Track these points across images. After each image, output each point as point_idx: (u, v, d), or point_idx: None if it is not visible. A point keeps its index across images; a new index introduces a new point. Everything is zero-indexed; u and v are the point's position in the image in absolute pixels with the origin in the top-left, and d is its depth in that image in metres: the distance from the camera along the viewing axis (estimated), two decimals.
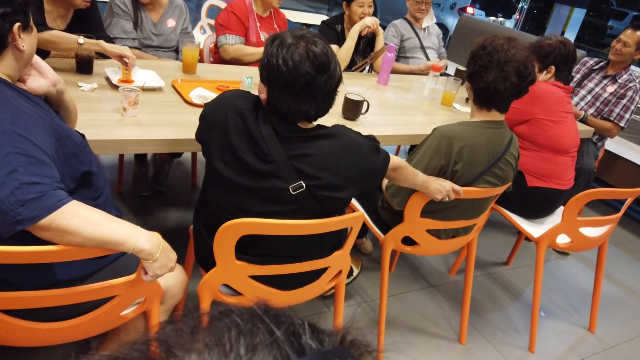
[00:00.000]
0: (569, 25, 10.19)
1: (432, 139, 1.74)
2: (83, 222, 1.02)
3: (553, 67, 2.35)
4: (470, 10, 9.44)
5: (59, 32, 1.91)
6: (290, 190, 1.30)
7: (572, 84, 3.11)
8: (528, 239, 2.33)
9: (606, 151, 3.50)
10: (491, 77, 1.68)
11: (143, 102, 1.80)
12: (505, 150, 1.78)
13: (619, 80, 3.03)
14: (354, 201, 2.12)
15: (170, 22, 2.53)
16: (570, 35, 5.82)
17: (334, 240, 1.52)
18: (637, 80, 3.04)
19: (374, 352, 0.27)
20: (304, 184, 1.30)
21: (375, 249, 2.62)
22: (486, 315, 2.36)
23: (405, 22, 3.36)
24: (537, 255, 2.16)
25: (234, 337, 0.26)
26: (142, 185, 2.69)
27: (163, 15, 2.50)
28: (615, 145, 3.71)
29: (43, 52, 1.93)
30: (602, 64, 3.16)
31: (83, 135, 1.28)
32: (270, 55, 1.24)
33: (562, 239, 2.18)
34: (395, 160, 1.54)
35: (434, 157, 1.72)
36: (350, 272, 2.07)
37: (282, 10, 2.93)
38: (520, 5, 10.58)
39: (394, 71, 3.06)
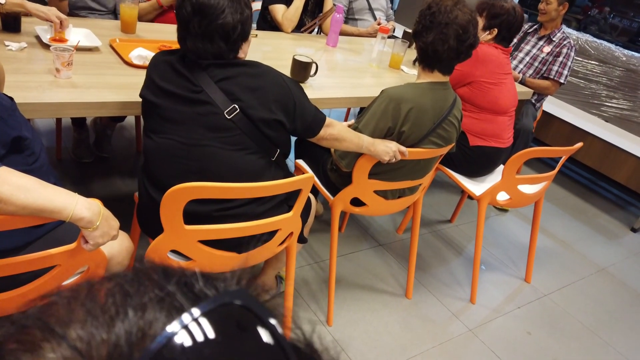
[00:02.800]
0: None
1: (380, 101, 1.75)
2: (14, 189, 0.97)
3: (496, 30, 2.39)
4: None
5: None
6: (225, 115, 1.35)
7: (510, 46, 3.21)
8: (470, 197, 2.43)
9: (543, 112, 3.66)
10: (430, 38, 1.71)
11: (78, 63, 1.70)
12: (449, 112, 1.83)
13: (554, 40, 3.15)
14: (303, 164, 2.12)
15: None
16: None
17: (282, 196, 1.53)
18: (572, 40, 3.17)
19: (271, 291, 0.26)
20: (237, 107, 1.36)
21: (325, 211, 2.66)
22: (431, 270, 2.47)
23: None
24: (478, 212, 2.27)
25: (120, 300, 0.24)
26: (82, 151, 2.57)
27: None
28: (552, 106, 3.88)
29: None
30: (535, 26, 3.27)
31: (12, 99, 1.20)
32: None
33: (502, 196, 2.29)
34: (328, 119, 1.60)
35: (382, 119, 1.73)
36: (279, 285, 2.08)
37: None
38: None
39: (343, 33, 3.03)
